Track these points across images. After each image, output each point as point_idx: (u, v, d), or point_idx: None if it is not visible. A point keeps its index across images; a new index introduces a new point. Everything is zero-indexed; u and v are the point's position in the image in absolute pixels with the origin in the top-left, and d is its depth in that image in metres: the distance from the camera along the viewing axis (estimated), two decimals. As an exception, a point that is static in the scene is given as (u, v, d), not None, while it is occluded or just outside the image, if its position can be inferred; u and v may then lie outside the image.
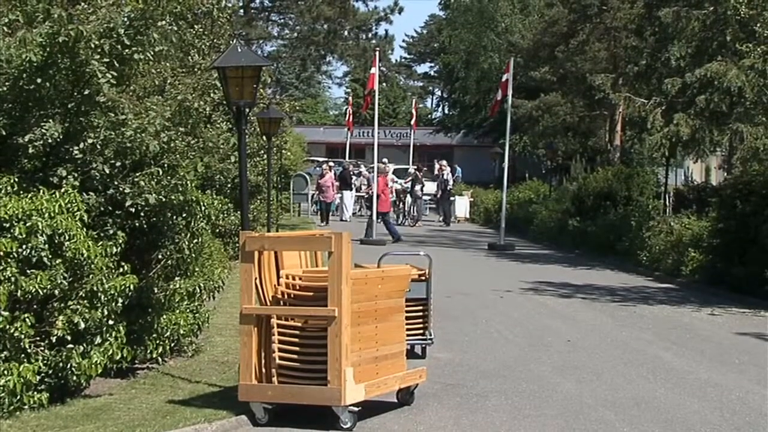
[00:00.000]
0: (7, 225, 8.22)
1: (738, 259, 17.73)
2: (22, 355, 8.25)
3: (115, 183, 9.47)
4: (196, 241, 10.50)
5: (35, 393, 8.28)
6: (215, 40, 17.29)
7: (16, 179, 8.79)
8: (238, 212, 17.40)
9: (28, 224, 8.24)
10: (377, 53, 27.47)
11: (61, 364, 8.50)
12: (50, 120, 9.12)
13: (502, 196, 28.86)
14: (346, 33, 45.28)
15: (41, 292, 8.24)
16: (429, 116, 78.56)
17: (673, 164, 31.56)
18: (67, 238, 8.45)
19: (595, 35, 34.32)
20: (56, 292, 8.43)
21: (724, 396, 9.36)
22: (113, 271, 8.91)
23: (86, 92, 9.29)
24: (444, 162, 37.16)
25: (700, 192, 27.30)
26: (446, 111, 72.66)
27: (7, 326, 8.07)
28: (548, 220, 30.65)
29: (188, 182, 9.94)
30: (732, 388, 9.70)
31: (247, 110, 9.82)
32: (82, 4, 9.44)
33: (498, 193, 33.62)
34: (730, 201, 18.87)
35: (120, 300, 8.77)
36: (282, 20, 46.30)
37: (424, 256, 11.13)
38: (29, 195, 8.54)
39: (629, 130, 36.12)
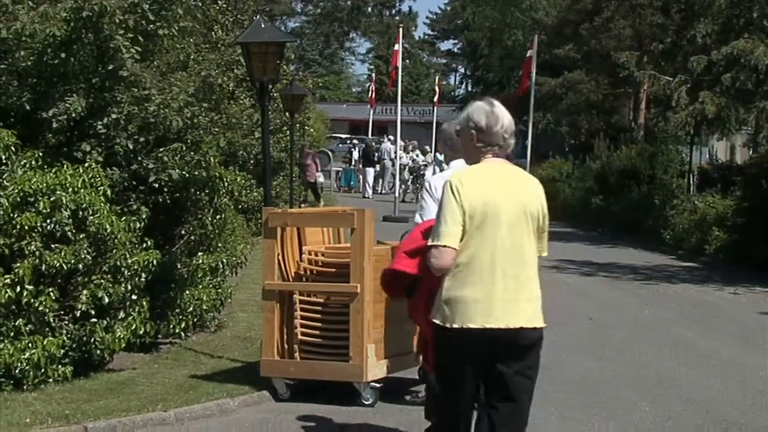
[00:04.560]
0: (32, 199, 8.27)
1: (763, 238, 17.62)
2: (47, 329, 8.32)
3: (139, 158, 9.49)
4: (219, 216, 10.52)
5: (59, 366, 8.34)
6: (239, 16, 17.34)
7: (41, 154, 8.83)
8: (261, 188, 17.46)
9: (52, 199, 8.28)
10: (401, 30, 27.43)
11: (84, 338, 8.57)
12: (74, 95, 9.15)
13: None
14: (369, 9, 45.23)
15: (65, 267, 8.29)
16: (452, 93, 78.24)
17: (698, 143, 31.33)
18: (90, 213, 8.48)
19: (620, 12, 34.00)
20: (80, 266, 8.47)
21: (747, 376, 9.31)
22: (136, 246, 8.95)
23: (110, 67, 9.31)
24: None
25: (725, 171, 27.13)
26: (469, 88, 72.33)
27: (32, 300, 8.13)
28: (571, 199, 30.54)
29: (211, 158, 9.96)
30: (755, 368, 9.65)
31: (271, 86, 9.81)
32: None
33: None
34: (755, 180, 18.78)
35: (143, 275, 8.81)
36: (306, -4, 46.25)
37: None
38: (53, 170, 8.57)
39: (653, 108, 35.86)
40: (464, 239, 4.63)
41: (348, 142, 36.75)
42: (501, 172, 4.79)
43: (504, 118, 4.79)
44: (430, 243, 4.67)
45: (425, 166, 36.56)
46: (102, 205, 8.59)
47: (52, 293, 8.25)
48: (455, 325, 4.62)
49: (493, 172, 4.76)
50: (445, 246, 4.61)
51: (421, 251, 4.94)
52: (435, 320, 4.71)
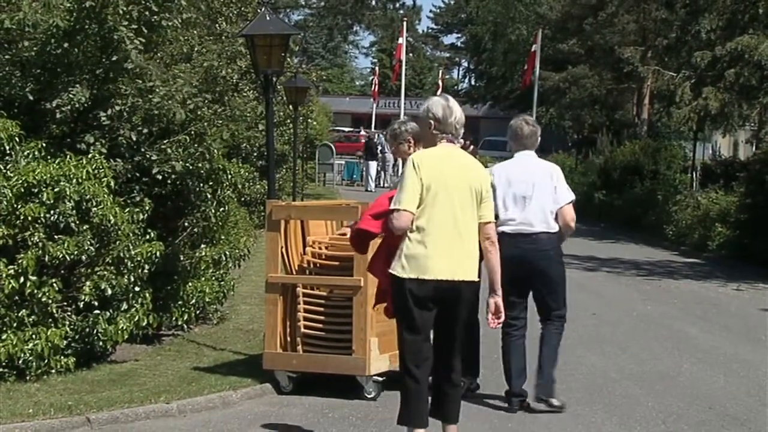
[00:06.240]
0: (35, 190, 8.26)
1: (766, 234, 17.59)
2: (50, 320, 8.32)
3: (142, 150, 9.48)
4: (222, 209, 10.51)
5: (62, 357, 8.35)
6: (243, 8, 17.30)
7: (44, 144, 8.82)
8: (264, 181, 17.43)
9: (56, 190, 8.27)
10: (404, 23, 27.40)
11: (87, 330, 8.56)
12: (78, 86, 9.12)
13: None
14: (373, 2, 45.13)
15: (68, 258, 8.28)
16: (455, 87, 78.18)
17: (701, 138, 31.31)
18: (94, 204, 8.47)
19: (625, 7, 33.98)
20: (83, 257, 8.47)
21: (750, 371, 9.30)
22: (140, 237, 8.94)
23: (114, 58, 9.29)
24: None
25: (728, 166, 27.12)
26: (473, 82, 72.28)
27: (35, 291, 8.13)
28: (574, 193, 30.51)
29: (215, 150, 9.94)
30: (758, 364, 9.63)
31: (275, 79, 9.78)
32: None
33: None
34: (758, 176, 18.74)
35: (146, 267, 8.81)
36: (309, -11, 46.19)
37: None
38: (57, 161, 8.56)
39: (657, 103, 35.84)
40: (421, 207, 5.73)
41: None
42: (452, 155, 5.92)
43: (457, 111, 5.95)
44: (392, 207, 5.77)
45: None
46: (105, 196, 8.58)
47: (55, 284, 8.25)
48: (411, 276, 5.70)
49: (445, 154, 5.89)
50: (405, 210, 5.72)
51: (384, 214, 5.96)
52: (394, 272, 5.76)
